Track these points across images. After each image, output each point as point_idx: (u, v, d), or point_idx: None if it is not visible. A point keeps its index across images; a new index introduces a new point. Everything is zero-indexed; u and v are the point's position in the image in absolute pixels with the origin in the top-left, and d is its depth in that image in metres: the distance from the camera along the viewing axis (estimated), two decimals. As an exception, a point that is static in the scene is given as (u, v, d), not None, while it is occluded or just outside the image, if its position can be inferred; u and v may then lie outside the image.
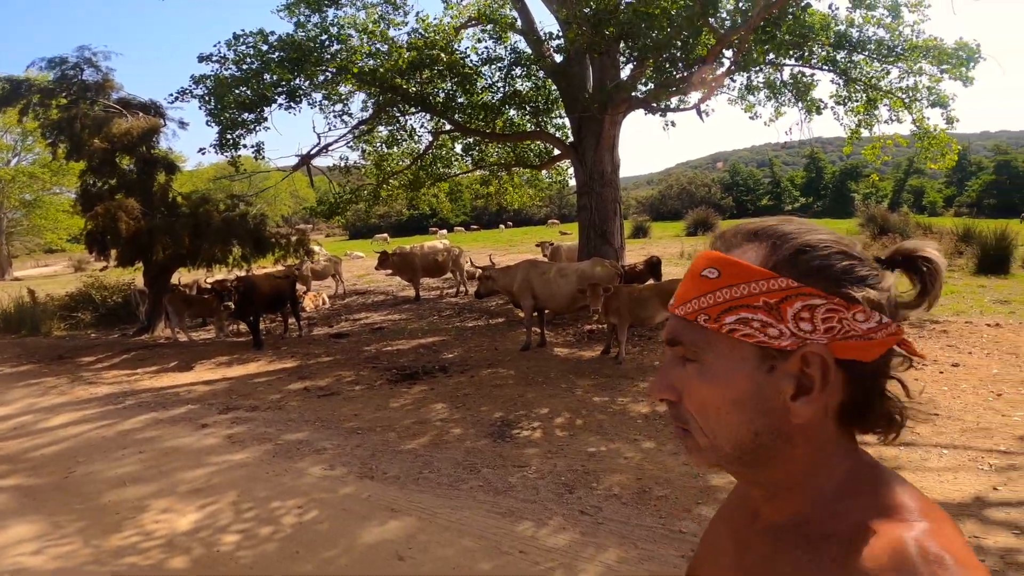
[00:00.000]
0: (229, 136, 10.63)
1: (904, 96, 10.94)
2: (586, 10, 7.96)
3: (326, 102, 11.48)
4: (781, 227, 0.69)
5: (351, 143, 12.56)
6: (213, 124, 10.49)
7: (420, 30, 11.05)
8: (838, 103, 11.58)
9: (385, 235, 38.46)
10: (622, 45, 8.49)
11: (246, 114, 10.50)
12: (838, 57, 10.42)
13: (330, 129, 12.11)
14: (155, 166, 11.60)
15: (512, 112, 12.00)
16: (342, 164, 12.83)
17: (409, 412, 6.03)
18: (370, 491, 4.23)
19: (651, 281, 9.55)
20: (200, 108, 10.42)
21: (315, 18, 10.71)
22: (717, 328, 0.67)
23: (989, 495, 3.43)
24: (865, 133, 12.02)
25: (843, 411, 0.68)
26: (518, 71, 11.03)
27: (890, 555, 0.59)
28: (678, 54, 7.65)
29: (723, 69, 9.05)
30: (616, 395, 5.93)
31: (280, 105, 10.58)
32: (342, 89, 11.30)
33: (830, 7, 10.05)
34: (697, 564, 0.86)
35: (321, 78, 10.53)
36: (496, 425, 5.36)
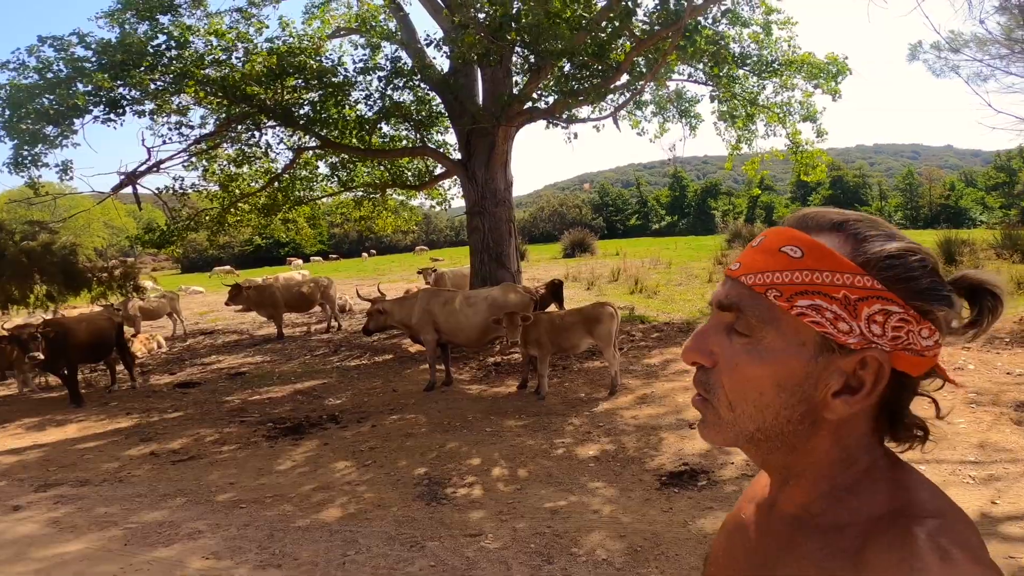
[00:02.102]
0: (26, 152, 9.36)
1: (779, 111, 11.91)
2: (480, 15, 7.74)
3: (159, 113, 10.28)
4: (868, 227, 0.69)
5: (190, 160, 11.34)
6: (6, 139, 9.21)
7: (284, 36, 10.31)
8: (721, 119, 12.35)
9: (228, 267, 35.79)
10: (519, 52, 8.36)
11: (49, 127, 9.22)
12: (721, 73, 11.10)
13: (165, 143, 10.81)
14: (-69, 189, 9.90)
15: (387, 128, 11.50)
16: (177, 185, 11.47)
17: (304, 475, 5.28)
18: (283, 587, 3.51)
19: (553, 306, 9.40)
20: None
21: (144, 26, 9.64)
22: (787, 307, 0.67)
23: (992, 511, 3.49)
24: (745, 149, 12.95)
25: (876, 415, 0.71)
26: (399, 82, 10.55)
27: (899, 548, 0.60)
28: (586, 60, 7.61)
29: (626, 77, 9.21)
30: (552, 436, 5.57)
31: (96, 117, 9.35)
32: (178, 101, 10.19)
33: (712, 21, 10.69)
34: (713, 558, 0.87)
35: (153, 86, 9.41)
36: (423, 484, 4.79)
